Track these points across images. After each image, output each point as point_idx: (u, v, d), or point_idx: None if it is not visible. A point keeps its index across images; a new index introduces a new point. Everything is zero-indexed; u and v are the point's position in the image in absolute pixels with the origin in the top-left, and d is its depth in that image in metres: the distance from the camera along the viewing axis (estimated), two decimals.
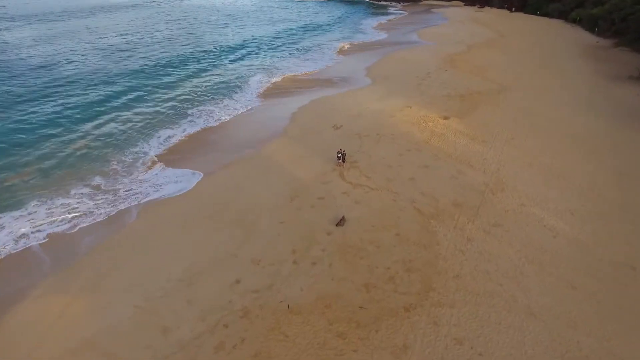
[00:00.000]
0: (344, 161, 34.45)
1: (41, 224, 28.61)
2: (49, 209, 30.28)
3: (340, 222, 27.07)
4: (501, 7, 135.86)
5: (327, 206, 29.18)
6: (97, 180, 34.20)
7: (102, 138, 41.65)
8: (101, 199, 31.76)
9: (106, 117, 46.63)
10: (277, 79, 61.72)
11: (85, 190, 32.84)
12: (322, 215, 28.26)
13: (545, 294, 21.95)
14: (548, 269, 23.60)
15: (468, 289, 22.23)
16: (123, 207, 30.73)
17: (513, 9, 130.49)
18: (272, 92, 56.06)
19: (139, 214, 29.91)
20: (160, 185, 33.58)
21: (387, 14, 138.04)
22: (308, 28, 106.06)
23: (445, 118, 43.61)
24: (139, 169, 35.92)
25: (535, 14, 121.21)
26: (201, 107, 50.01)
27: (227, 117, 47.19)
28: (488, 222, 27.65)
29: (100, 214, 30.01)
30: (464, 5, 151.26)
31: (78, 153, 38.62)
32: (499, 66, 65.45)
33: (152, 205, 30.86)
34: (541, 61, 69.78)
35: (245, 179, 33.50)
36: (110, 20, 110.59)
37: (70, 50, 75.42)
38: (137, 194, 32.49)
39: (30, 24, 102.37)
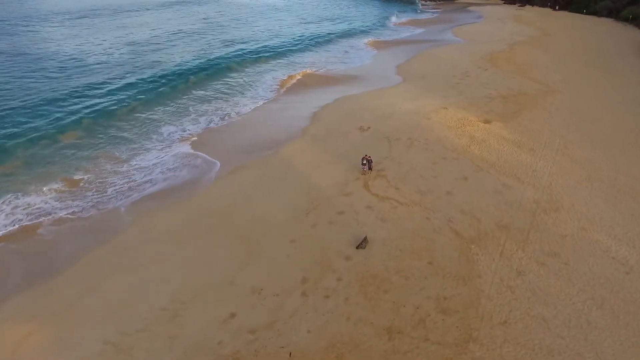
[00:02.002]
0: (369, 169, 30.00)
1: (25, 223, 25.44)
2: (28, 208, 27.22)
3: (362, 244, 22.64)
4: (544, 5, 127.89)
5: (347, 223, 24.77)
6: (89, 177, 31.42)
7: (99, 134, 38.78)
8: (91, 197, 28.60)
9: (111, 113, 43.38)
10: (299, 75, 57.53)
11: (72, 188, 29.79)
12: (340, 234, 23.86)
13: (622, 355, 16.97)
14: (623, 318, 18.57)
15: (519, 341, 17.47)
16: (115, 209, 27.43)
17: (557, 7, 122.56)
18: (294, 90, 51.99)
19: (134, 221, 26.22)
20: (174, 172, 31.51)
21: (419, 11, 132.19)
22: (336, 24, 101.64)
23: (487, 122, 38.52)
24: (133, 173, 32.56)
25: (582, 12, 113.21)
26: (214, 104, 46.40)
27: (242, 115, 43.34)
28: (542, 250, 22.69)
29: (90, 216, 26.69)
30: (503, 3, 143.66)
31: (76, 146, 36.02)
32: (544, 66, 59.48)
33: (149, 211, 27.15)
34: (590, 61, 63.29)
35: (256, 185, 29.48)
36: (135, 18, 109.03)
37: (94, 46, 73.14)
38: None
39: (61, 21, 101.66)
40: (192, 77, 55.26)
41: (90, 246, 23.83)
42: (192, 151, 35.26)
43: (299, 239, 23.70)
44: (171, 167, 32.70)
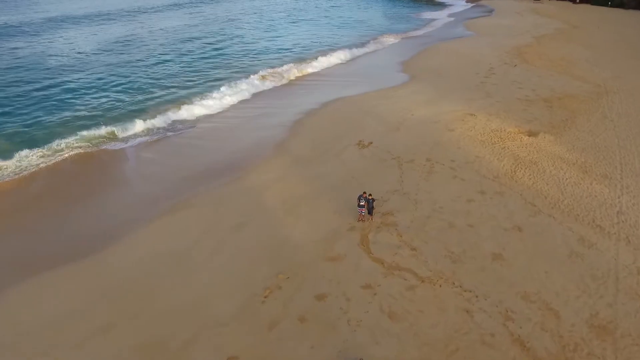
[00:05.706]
0: (370, 213, 19.67)
1: None
2: None
3: None
4: None
5: (329, 323, 14.41)
6: None
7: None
8: None
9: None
10: (285, 72, 46.79)
11: None
12: (317, 349, 13.54)
13: None
14: None
15: None
16: None
17: (577, 0, 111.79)
18: (274, 91, 41.72)
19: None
20: None
21: (428, 7, 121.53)
22: (334, 22, 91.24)
23: (532, 134, 28.15)
24: None
25: (606, 4, 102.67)
26: (165, 106, 36.56)
27: (200, 124, 33.11)
28: None
29: None
30: None
31: None
32: (584, 61, 48.89)
33: (24, 278, 17.11)
34: (637, 54, 52.75)
35: (199, 238, 19.36)
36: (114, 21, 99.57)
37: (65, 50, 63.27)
38: None
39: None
40: (149, 74, 45.45)
41: None
42: (115, 174, 25.31)
43: (244, 355, 13.43)
44: (75, 193, 22.85)
